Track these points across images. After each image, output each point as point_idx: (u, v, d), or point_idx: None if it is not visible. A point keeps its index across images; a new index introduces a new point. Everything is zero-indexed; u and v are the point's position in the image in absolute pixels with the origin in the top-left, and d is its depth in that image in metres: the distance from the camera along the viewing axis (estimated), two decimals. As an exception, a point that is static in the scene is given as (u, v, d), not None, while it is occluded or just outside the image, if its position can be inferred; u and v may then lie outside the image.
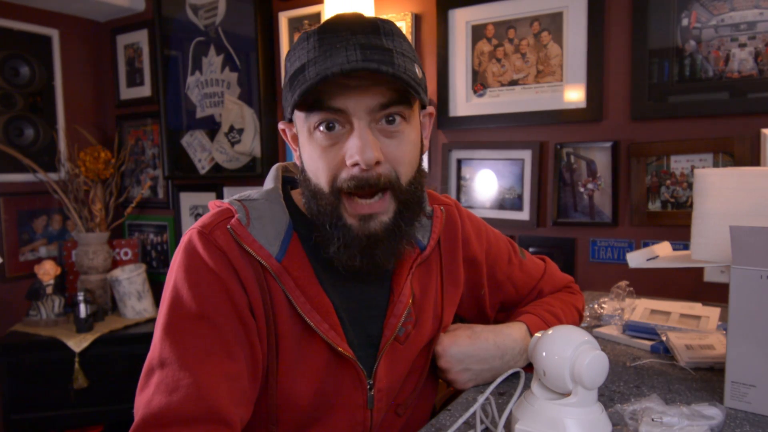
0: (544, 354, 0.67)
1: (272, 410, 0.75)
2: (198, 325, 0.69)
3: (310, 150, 0.74)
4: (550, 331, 0.69)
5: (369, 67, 0.66)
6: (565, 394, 0.66)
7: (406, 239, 0.77)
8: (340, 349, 0.74)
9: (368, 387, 0.78)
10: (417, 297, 0.84)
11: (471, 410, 0.73)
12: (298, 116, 0.75)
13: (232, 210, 0.76)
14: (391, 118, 0.72)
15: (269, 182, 0.83)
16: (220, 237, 0.73)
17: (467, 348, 0.86)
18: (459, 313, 0.99)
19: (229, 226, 0.74)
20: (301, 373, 0.75)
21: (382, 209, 0.73)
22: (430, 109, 0.85)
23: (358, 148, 0.69)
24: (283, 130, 0.83)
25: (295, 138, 0.80)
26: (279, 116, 2.41)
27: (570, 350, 0.64)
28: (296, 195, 0.84)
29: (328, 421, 0.77)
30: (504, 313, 1.03)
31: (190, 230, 0.76)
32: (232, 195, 0.82)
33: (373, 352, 0.80)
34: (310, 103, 0.71)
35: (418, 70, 0.73)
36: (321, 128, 0.71)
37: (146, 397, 0.65)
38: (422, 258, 0.85)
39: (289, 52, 0.76)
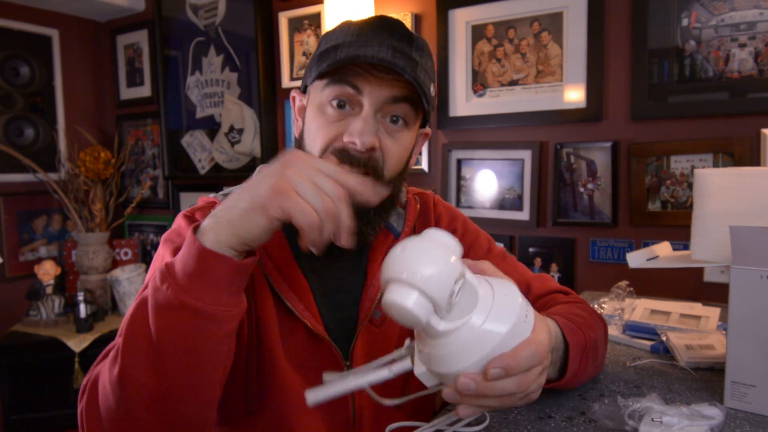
0: (402, 247, 0.53)
1: (252, 389, 0.77)
2: None
3: (316, 120, 0.78)
4: (424, 240, 0.55)
5: (396, 64, 0.71)
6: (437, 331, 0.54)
7: (372, 227, 0.80)
8: (314, 330, 0.78)
9: (345, 367, 0.81)
10: None
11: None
12: (316, 86, 0.78)
13: (217, 201, 0.82)
14: (395, 118, 0.77)
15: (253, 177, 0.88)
16: (202, 218, 0.77)
17: None
18: None
19: (212, 210, 0.77)
20: (283, 353, 0.78)
21: None
22: (427, 129, 0.89)
23: (360, 130, 0.73)
24: (293, 98, 0.87)
25: (302, 110, 0.84)
26: (279, 116, 2.41)
27: (396, 271, 0.52)
28: None
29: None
30: None
31: (176, 217, 0.82)
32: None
33: (349, 335, 0.82)
34: (333, 75, 0.75)
35: (432, 89, 0.80)
36: (333, 103, 0.76)
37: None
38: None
39: (327, 32, 0.81)
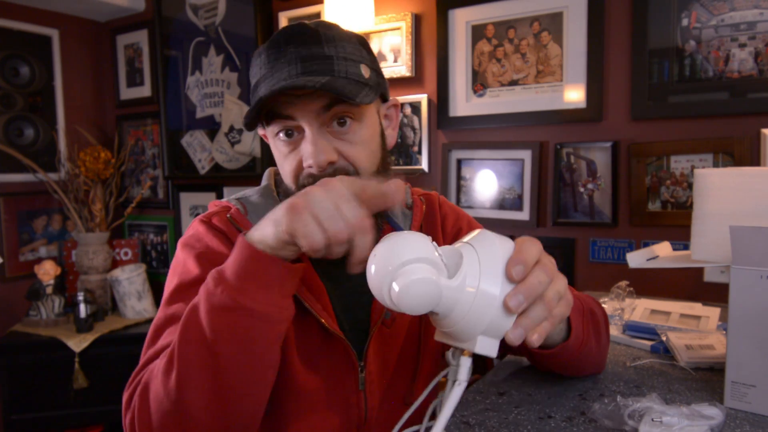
0: (374, 254, 0.55)
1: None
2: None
3: (277, 155, 0.82)
4: (393, 236, 0.56)
5: (306, 84, 0.71)
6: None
7: (374, 225, 0.80)
8: (331, 329, 0.78)
9: (360, 369, 0.81)
10: None
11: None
12: (266, 125, 0.81)
13: (230, 205, 0.84)
14: (342, 120, 0.77)
15: (263, 182, 0.90)
16: (220, 223, 0.80)
17: None
18: None
19: (228, 215, 0.81)
20: (297, 353, 0.78)
21: None
22: (394, 100, 0.89)
23: (310, 153, 0.75)
24: (264, 135, 0.88)
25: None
26: (279, 116, 2.41)
27: (394, 264, 0.52)
28: (288, 193, 0.88)
29: (324, 403, 0.80)
30: None
31: (192, 222, 0.83)
32: (232, 195, 0.90)
33: (363, 336, 0.83)
34: (265, 115, 0.78)
35: (364, 70, 0.78)
36: (281, 136, 0.78)
37: (160, 345, 0.69)
38: None
39: (250, 65, 0.85)
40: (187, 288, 0.74)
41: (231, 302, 0.60)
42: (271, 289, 0.62)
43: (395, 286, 0.52)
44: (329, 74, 0.74)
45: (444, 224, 0.97)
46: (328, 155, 0.75)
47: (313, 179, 0.75)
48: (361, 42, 0.81)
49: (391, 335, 0.85)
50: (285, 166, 0.79)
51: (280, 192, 0.88)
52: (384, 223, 0.86)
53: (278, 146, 0.80)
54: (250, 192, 0.87)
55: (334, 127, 0.77)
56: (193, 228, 0.82)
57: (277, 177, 0.92)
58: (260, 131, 0.89)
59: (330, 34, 0.77)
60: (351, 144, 0.77)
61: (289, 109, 0.75)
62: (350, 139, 0.77)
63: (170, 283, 0.77)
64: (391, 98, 0.88)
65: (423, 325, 0.89)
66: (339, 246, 0.58)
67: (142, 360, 0.70)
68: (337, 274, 0.83)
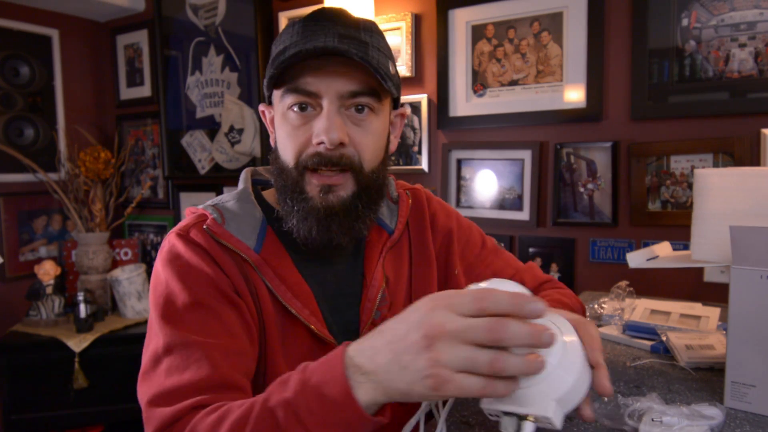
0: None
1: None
2: (196, 312, 0.71)
3: (283, 129, 0.79)
4: (483, 284, 0.56)
5: (340, 49, 0.70)
6: None
7: (363, 221, 0.80)
8: (321, 334, 0.77)
9: None
10: (390, 281, 0.87)
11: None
12: (276, 95, 0.79)
13: (206, 214, 0.80)
14: (359, 107, 0.76)
15: (240, 184, 0.87)
16: (198, 236, 0.77)
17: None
18: None
19: (205, 226, 0.77)
20: (286, 361, 0.77)
21: (342, 182, 0.77)
22: (402, 109, 0.89)
23: (325, 128, 0.73)
24: (263, 112, 0.87)
25: (272, 121, 0.84)
26: (279, 116, 2.41)
27: None
28: (268, 195, 0.88)
29: None
30: None
31: (168, 236, 0.79)
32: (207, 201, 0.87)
33: (353, 337, 0.81)
34: (287, 84, 0.75)
35: (391, 67, 0.79)
36: (294, 108, 0.76)
37: (158, 381, 0.66)
38: (392, 242, 0.89)
39: (276, 38, 0.81)
40: (180, 313, 0.70)
41: None
42: None
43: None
44: (364, 57, 0.72)
45: (434, 222, 0.96)
46: (341, 134, 0.74)
47: (318, 159, 0.74)
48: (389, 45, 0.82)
49: None
50: (289, 141, 0.77)
51: (257, 194, 0.86)
52: (372, 223, 0.86)
53: (288, 119, 0.77)
54: (227, 197, 0.84)
55: (351, 111, 0.76)
56: (169, 242, 0.77)
57: (254, 177, 0.91)
58: (261, 107, 0.87)
59: (368, 25, 0.77)
60: (363, 132, 0.77)
61: (313, 82, 0.74)
62: (364, 127, 0.77)
63: (157, 305, 0.72)
64: (400, 107, 0.88)
65: None
66: (498, 380, 0.50)
67: (144, 389, 0.67)
68: (321, 275, 0.83)
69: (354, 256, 0.86)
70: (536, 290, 0.99)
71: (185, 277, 0.73)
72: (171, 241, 0.77)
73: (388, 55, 0.79)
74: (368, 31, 0.76)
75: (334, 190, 0.77)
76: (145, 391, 0.67)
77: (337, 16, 0.75)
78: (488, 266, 0.99)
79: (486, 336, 0.48)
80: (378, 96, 0.77)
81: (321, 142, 0.74)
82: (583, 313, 1.03)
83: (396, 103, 0.86)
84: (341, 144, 0.74)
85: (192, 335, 0.68)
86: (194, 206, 0.84)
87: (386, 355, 0.52)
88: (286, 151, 0.78)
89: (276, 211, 0.84)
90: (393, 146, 0.87)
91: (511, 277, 1.00)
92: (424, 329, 0.50)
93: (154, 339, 0.71)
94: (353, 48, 0.72)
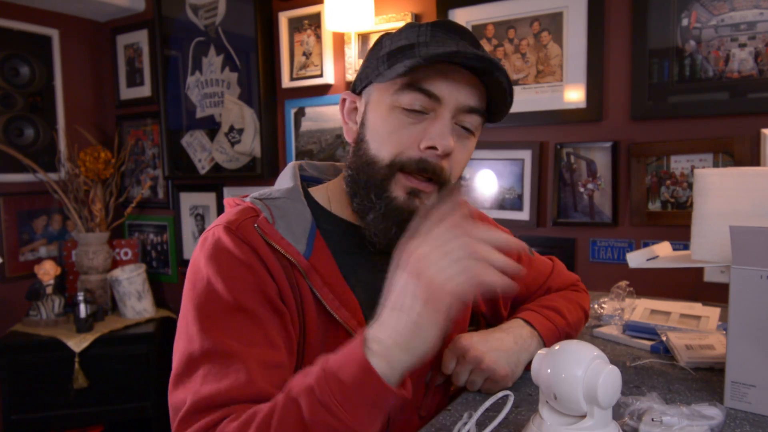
0: (549, 371, 0.61)
1: None
2: (237, 317, 0.68)
3: (384, 124, 0.75)
4: (556, 347, 0.63)
5: (491, 60, 0.70)
6: (578, 416, 0.60)
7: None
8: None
9: None
10: None
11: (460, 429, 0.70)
12: (384, 88, 0.75)
13: (256, 209, 0.76)
14: (466, 128, 0.76)
15: (287, 181, 0.83)
16: (248, 233, 0.73)
17: (484, 337, 0.86)
18: (475, 311, 0.99)
19: (256, 225, 0.73)
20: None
21: (429, 191, 0.76)
22: (477, 133, 0.86)
23: (442, 134, 0.72)
24: (344, 100, 0.84)
25: (353, 111, 0.81)
26: (279, 116, 2.41)
27: (581, 368, 0.58)
28: (316, 192, 0.84)
29: None
30: (512, 312, 1.03)
31: (213, 227, 0.75)
32: (232, 196, 0.83)
33: None
34: (406, 82, 0.73)
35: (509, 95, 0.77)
36: (415, 106, 0.73)
37: (194, 387, 0.64)
38: None
39: (391, 33, 0.78)
40: (221, 316, 0.68)
41: (339, 426, 0.57)
42: (375, 416, 0.59)
43: (598, 380, 0.57)
44: (499, 70, 0.72)
45: None
46: (453, 145, 0.73)
47: (422, 165, 0.73)
48: None
49: None
50: (392, 138, 0.74)
51: (306, 193, 0.82)
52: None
53: (397, 117, 0.74)
54: (275, 192, 0.79)
55: (458, 127, 0.75)
56: (214, 235, 0.73)
57: (303, 173, 0.87)
58: (344, 95, 0.83)
59: (487, 52, 0.77)
60: (462, 150, 0.76)
61: (441, 87, 0.72)
62: (465, 145, 0.76)
63: (196, 302, 0.69)
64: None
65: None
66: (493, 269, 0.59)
67: (179, 395, 0.65)
68: (370, 283, 0.79)
69: None
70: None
71: (230, 275, 0.69)
72: (217, 234, 0.73)
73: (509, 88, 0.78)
74: (485, 52, 0.75)
75: (420, 196, 0.75)
76: (180, 397, 0.65)
77: (464, 32, 0.75)
78: (522, 279, 1.01)
79: (460, 241, 0.59)
80: (485, 118, 0.77)
81: (431, 147, 0.72)
82: (584, 319, 1.04)
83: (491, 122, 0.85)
84: (448, 155, 0.73)
85: (232, 341, 0.66)
86: (235, 197, 0.81)
87: (399, 315, 0.59)
88: (384, 146, 0.74)
89: (326, 211, 0.81)
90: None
91: (539, 287, 1.04)
92: (415, 280, 0.59)
93: (191, 340, 0.67)
94: (488, 61, 0.70)
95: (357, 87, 0.81)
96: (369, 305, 0.78)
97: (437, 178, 0.74)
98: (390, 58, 0.74)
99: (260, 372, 0.65)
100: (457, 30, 0.75)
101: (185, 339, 0.68)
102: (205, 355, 0.65)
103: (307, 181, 0.87)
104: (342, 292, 0.76)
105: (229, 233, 0.72)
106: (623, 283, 1.27)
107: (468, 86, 0.73)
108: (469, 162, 0.82)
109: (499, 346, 0.85)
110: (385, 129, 0.75)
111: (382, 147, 0.75)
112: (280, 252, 0.73)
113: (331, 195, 0.84)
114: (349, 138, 0.82)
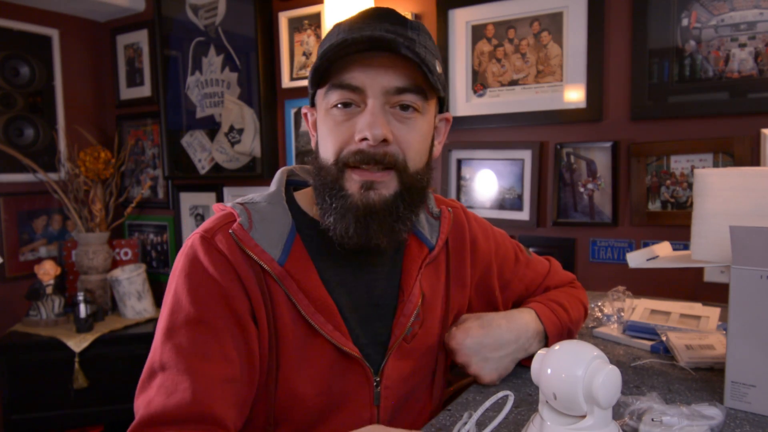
0: (549, 371, 0.61)
1: (270, 413, 0.75)
2: (196, 330, 0.70)
3: (323, 127, 0.77)
4: (556, 347, 0.63)
5: (386, 38, 0.69)
6: (578, 416, 0.60)
7: (403, 223, 0.77)
8: (345, 348, 0.75)
9: (375, 384, 0.78)
10: (426, 297, 0.85)
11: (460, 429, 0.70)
12: (320, 95, 0.77)
13: (235, 214, 0.77)
14: (405, 106, 0.74)
15: (273, 185, 0.84)
16: (222, 241, 0.74)
17: (481, 337, 0.85)
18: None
19: (231, 231, 0.74)
20: (305, 375, 0.75)
21: (385, 179, 0.74)
22: (447, 114, 0.86)
23: (368, 124, 0.71)
24: (305, 115, 0.85)
25: (315, 123, 0.82)
26: (279, 116, 2.41)
27: (581, 368, 0.58)
28: (300, 196, 0.85)
29: (334, 419, 0.78)
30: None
31: (193, 234, 0.76)
32: (232, 196, 0.84)
33: (381, 350, 0.80)
34: (330, 80, 0.74)
35: (438, 66, 0.77)
36: (338, 106, 0.74)
37: (147, 398, 0.67)
38: (431, 258, 0.86)
39: (322, 40, 0.80)
40: (181, 329, 0.69)
41: None
42: None
43: (598, 380, 0.57)
44: (411, 52, 0.71)
45: (475, 247, 0.94)
46: (385, 131, 0.72)
47: (361, 156, 0.72)
48: (435, 45, 0.81)
49: (411, 350, 0.82)
50: (330, 138, 0.75)
51: (290, 198, 0.83)
52: (410, 235, 0.84)
53: (332, 116, 0.75)
54: (259, 197, 0.81)
55: (396, 109, 0.74)
56: (191, 243, 0.75)
57: (290, 178, 0.88)
58: (304, 110, 0.85)
59: (415, 24, 0.76)
60: (408, 130, 0.75)
61: (359, 77, 0.72)
62: (409, 125, 0.75)
63: (164, 312, 0.72)
64: (445, 112, 0.86)
65: (440, 340, 0.88)
66: None
67: (137, 402, 0.68)
68: (352, 284, 0.80)
69: (391, 267, 0.84)
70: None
71: (196, 287, 0.71)
72: (194, 243, 0.75)
73: (435, 54, 0.78)
74: (416, 29, 0.75)
75: (376, 187, 0.74)
76: (138, 405, 0.68)
77: (385, 14, 0.74)
78: (521, 280, 1.01)
79: None
80: (424, 94, 0.75)
81: (363, 139, 0.72)
82: (584, 316, 1.05)
83: (441, 107, 0.83)
84: (385, 141, 0.72)
85: (186, 355, 0.68)
86: (223, 203, 0.82)
87: None
88: (327, 147, 0.76)
89: (307, 216, 0.82)
90: (437, 151, 0.84)
91: (538, 287, 1.04)
92: None
93: (155, 349, 0.71)
94: (399, 42, 0.70)
95: (310, 100, 0.82)
96: (351, 307, 0.79)
97: (388, 165, 0.73)
98: (317, 60, 0.75)
99: (209, 388, 0.66)
100: (378, 14, 0.74)
101: (153, 347, 0.71)
102: (161, 366, 0.68)
103: (297, 185, 0.88)
104: (318, 297, 0.75)
105: (203, 242, 0.74)
106: (620, 288, 1.27)
107: (391, 68, 0.72)
108: (427, 142, 0.80)
109: (492, 348, 0.86)
110: (326, 131, 0.76)
111: (326, 149, 0.76)
112: (253, 258, 0.73)
113: (312, 199, 0.84)
114: (313, 148, 0.84)
